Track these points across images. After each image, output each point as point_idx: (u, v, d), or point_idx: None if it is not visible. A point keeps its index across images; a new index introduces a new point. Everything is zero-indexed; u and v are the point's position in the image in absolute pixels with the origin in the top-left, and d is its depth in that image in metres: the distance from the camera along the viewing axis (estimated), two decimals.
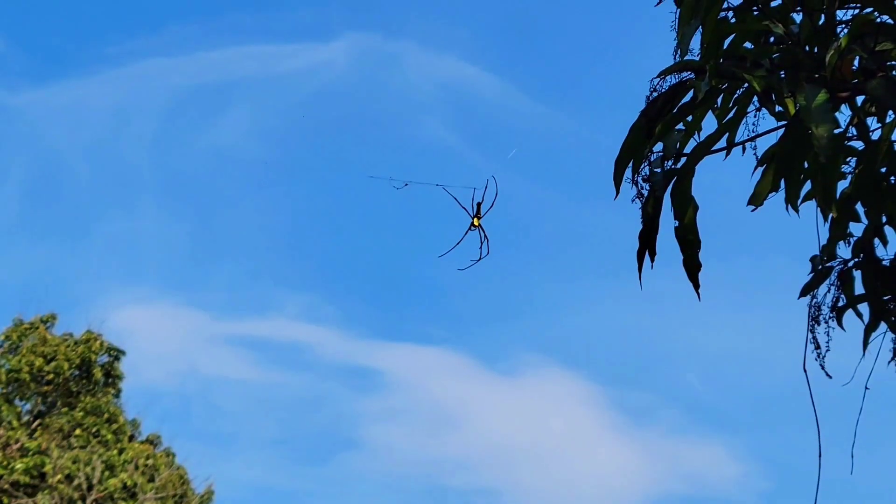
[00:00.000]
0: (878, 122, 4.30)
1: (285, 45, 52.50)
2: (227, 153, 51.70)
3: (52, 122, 50.75)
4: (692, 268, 3.79)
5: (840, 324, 5.02)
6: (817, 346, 4.86)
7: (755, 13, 3.86)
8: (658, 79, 3.76)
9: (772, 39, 3.95)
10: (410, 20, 53.58)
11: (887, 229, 4.90)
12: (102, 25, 56.30)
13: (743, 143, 4.10)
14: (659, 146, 3.80)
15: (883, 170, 4.32)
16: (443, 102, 52.54)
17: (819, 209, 4.25)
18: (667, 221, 3.83)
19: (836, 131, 3.36)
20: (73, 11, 54.22)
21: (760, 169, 4.17)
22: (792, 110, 3.83)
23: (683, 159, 3.80)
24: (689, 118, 3.83)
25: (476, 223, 4.90)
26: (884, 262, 4.95)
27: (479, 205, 4.92)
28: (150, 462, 26.86)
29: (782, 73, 3.67)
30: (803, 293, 5.09)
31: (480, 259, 4.87)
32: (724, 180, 4.42)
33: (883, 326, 4.96)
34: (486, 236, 4.90)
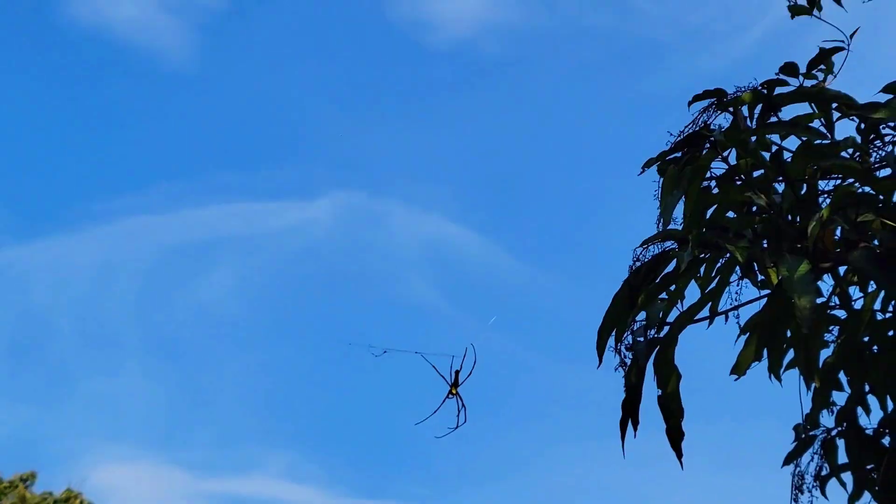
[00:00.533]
0: (860, 291, 4.32)
1: (270, 203, 52.75)
2: (210, 311, 51.61)
3: (36, 278, 50.74)
4: (675, 436, 3.75)
5: (823, 493, 5.00)
6: None
7: (738, 183, 3.89)
8: (641, 248, 3.78)
9: (754, 209, 3.98)
10: (395, 179, 53.93)
11: (870, 398, 4.91)
12: (89, 183, 56.56)
13: (726, 312, 4.10)
14: (642, 315, 3.80)
15: (865, 339, 4.33)
16: (427, 261, 52.66)
17: (802, 377, 4.26)
18: (650, 387, 3.82)
19: (819, 301, 3.38)
20: (59, 169, 54.56)
21: (743, 337, 4.17)
22: (774, 280, 3.84)
23: (666, 328, 3.79)
24: (672, 287, 3.84)
25: (454, 391, 4.90)
26: (867, 431, 4.94)
27: (457, 373, 4.93)
28: None
29: (765, 242, 3.68)
30: (787, 461, 5.08)
31: (458, 427, 4.86)
32: (707, 348, 4.42)
33: (867, 496, 4.93)
34: (463, 404, 4.89)
